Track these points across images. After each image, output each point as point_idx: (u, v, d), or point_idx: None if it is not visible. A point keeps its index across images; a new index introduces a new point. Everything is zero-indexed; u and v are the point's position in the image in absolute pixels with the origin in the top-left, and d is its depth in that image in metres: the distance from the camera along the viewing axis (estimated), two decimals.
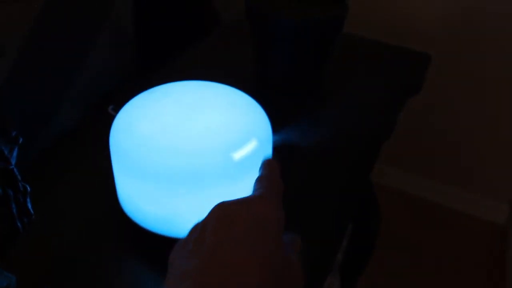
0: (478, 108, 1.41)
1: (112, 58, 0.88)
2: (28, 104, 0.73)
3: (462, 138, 1.48)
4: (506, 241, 1.46)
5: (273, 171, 0.45)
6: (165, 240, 0.56)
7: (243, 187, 0.54)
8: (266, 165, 0.47)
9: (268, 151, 0.56)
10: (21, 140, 0.40)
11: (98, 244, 0.58)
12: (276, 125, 0.65)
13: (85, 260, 0.56)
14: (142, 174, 0.52)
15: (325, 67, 0.82)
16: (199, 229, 0.38)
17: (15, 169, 0.37)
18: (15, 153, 0.39)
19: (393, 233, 1.44)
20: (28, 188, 0.38)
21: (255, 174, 0.54)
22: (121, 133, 0.55)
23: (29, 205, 0.38)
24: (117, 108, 0.60)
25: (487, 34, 1.28)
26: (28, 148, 0.71)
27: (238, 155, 0.52)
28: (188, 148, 0.52)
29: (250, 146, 0.53)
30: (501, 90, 1.36)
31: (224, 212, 0.37)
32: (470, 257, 1.45)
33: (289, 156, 0.69)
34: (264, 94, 0.71)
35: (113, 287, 0.54)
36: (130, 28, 0.93)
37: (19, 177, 0.38)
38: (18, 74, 0.71)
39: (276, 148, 0.62)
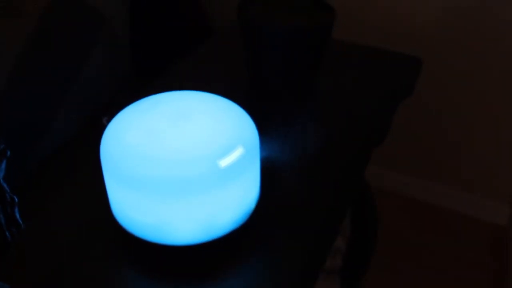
0: (478, 109, 1.42)
1: (106, 70, 0.89)
2: (23, 116, 0.74)
3: (462, 139, 1.48)
4: (508, 242, 1.46)
5: None
6: (156, 247, 0.57)
7: (230, 194, 0.55)
8: None
9: (255, 158, 0.57)
10: (8, 153, 0.41)
11: (91, 252, 0.59)
12: (265, 132, 0.66)
13: (78, 268, 0.57)
14: (131, 183, 0.53)
15: (316, 73, 0.83)
16: None
17: (2, 181, 0.39)
18: (3, 166, 0.41)
19: (393, 236, 1.44)
20: (16, 199, 0.39)
21: (241, 180, 0.55)
22: (111, 143, 0.56)
23: (17, 215, 0.40)
24: (111, 120, 0.61)
25: (486, 34, 1.29)
26: (23, 159, 0.73)
27: (225, 162, 0.53)
28: (176, 156, 0.53)
29: (236, 154, 0.54)
30: (501, 91, 1.36)
31: None
32: (472, 259, 1.45)
33: (279, 162, 0.70)
34: (253, 102, 0.72)
35: None
36: (125, 39, 0.95)
37: (7, 188, 0.39)
38: (13, 87, 0.73)
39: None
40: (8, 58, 0.74)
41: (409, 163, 1.58)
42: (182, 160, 0.53)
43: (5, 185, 0.39)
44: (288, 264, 0.59)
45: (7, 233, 0.39)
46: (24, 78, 0.75)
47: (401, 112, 0.94)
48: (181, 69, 0.91)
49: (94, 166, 0.62)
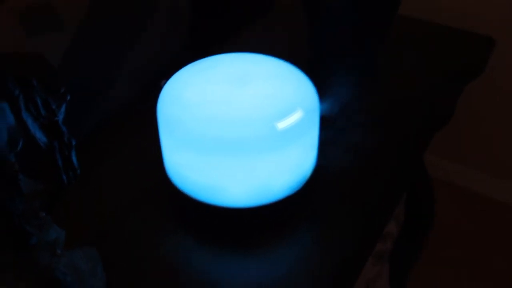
0: None
1: (168, 36, 0.89)
2: (85, 78, 0.76)
3: None
4: None
5: None
6: (207, 208, 0.57)
7: (286, 158, 0.53)
8: None
9: (314, 124, 0.56)
10: (69, 97, 0.41)
11: (142, 208, 0.59)
12: (324, 101, 0.64)
13: (130, 224, 0.58)
14: (186, 142, 0.53)
15: (379, 47, 0.80)
16: None
17: (61, 124, 0.39)
18: (63, 109, 0.41)
19: (449, 229, 1.39)
20: (74, 142, 0.39)
21: (298, 145, 0.54)
22: (168, 102, 0.56)
23: (74, 159, 0.40)
24: None
25: None
26: (84, 120, 0.74)
27: (282, 124, 0.51)
28: (232, 116, 0.52)
29: (294, 117, 0.52)
30: None
31: None
32: None
33: (338, 134, 0.68)
34: (315, 70, 0.70)
35: (158, 251, 0.55)
36: (187, 8, 0.95)
37: (65, 130, 0.39)
38: (77, 48, 0.74)
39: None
40: (69, 21, 0.75)
41: (470, 154, 1.52)
42: (238, 120, 0.52)
43: (64, 128, 0.39)
44: (340, 240, 0.57)
45: (63, 176, 0.40)
46: (87, 40, 0.76)
47: (467, 96, 0.90)
48: (243, 36, 0.90)
49: (151, 125, 0.62)
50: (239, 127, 0.52)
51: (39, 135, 0.36)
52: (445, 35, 0.90)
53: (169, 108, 0.55)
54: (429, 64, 0.83)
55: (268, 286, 0.52)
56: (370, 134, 0.70)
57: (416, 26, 0.92)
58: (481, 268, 1.37)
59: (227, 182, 0.54)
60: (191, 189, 0.56)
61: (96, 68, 0.78)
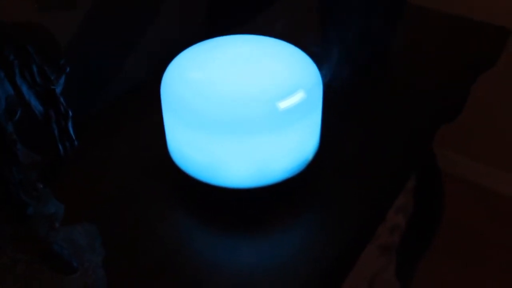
0: None
1: (181, 19, 0.89)
2: (95, 57, 0.76)
3: None
4: None
5: None
6: (207, 188, 0.56)
7: (287, 139, 0.53)
8: None
9: (316, 106, 0.55)
10: (68, 69, 0.41)
11: (145, 188, 0.59)
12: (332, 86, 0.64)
13: (131, 202, 0.58)
14: (188, 120, 0.52)
15: (391, 35, 0.79)
16: None
17: (59, 94, 0.39)
18: (62, 81, 0.41)
19: (460, 224, 1.37)
20: (70, 113, 0.39)
21: (300, 126, 0.53)
22: (171, 78, 0.56)
23: (71, 129, 0.40)
24: None
25: None
26: (92, 99, 0.74)
27: (284, 105, 0.51)
28: (235, 96, 0.52)
29: (296, 97, 0.52)
30: None
31: None
32: None
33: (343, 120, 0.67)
34: (323, 55, 0.70)
35: (158, 230, 0.55)
36: None
37: (62, 101, 0.39)
38: (88, 26, 0.74)
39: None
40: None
41: (481, 147, 1.50)
42: (240, 100, 0.51)
43: (61, 99, 0.39)
44: (340, 224, 0.56)
45: (59, 146, 0.40)
46: (98, 19, 0.76)
47: (479, 87, 0.89)
48: (256, 21, 0.89)
49: (156, 105, 0.62)
50: (241, 106, 0.51)
51: (34, 103, 0.36)
52: (458, 25, 0.89)
53: (172, 87, 0.55)
54: (441, 54, 0.82)
55: (268, 268, 0.52)
56: (377, 123, 0.69)
57: (429, 16, 0.91)
58: (489, 263, 1.35)
59: (228, 162, 0.54)
60: (192, 168, 0.56)
61: (106, 48, 0.78)
